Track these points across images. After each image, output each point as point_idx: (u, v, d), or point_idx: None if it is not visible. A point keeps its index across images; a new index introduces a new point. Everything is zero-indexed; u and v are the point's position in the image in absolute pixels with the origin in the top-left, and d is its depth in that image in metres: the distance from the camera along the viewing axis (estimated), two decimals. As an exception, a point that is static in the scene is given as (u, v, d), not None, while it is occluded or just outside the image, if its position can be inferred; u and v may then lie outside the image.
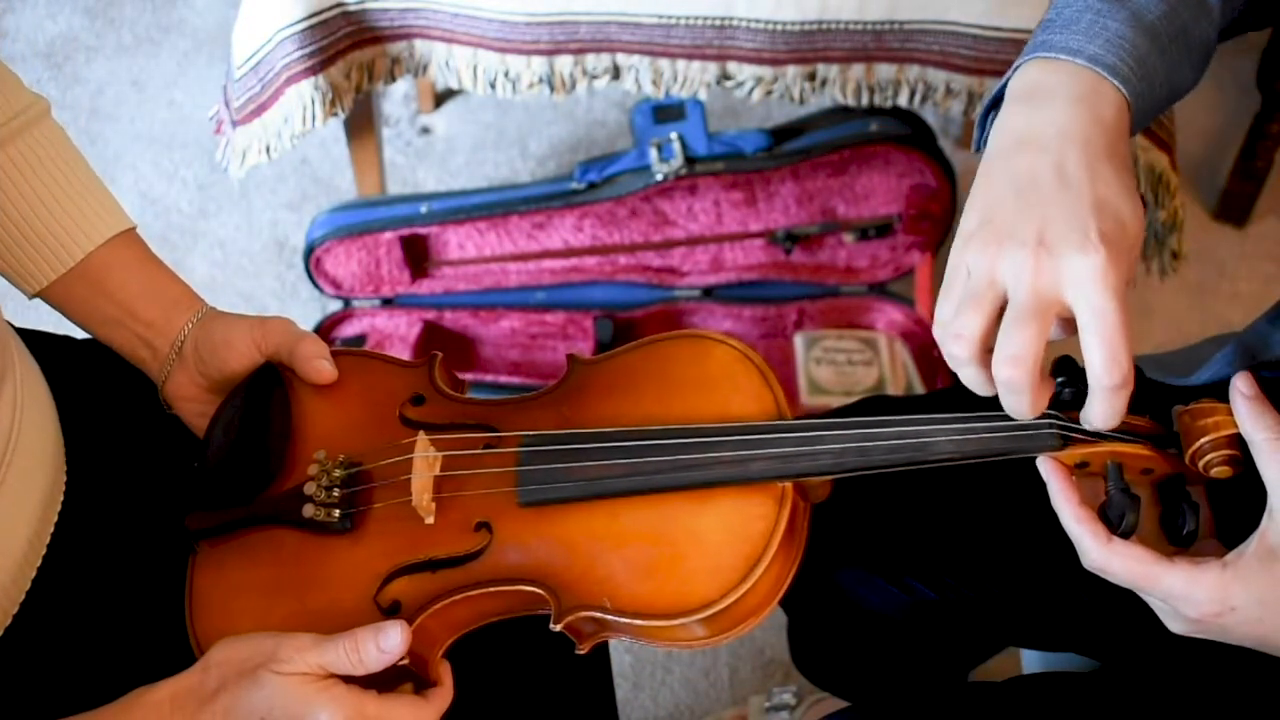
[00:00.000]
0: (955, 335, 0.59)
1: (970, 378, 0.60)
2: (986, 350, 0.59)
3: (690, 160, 1.53)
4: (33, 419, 0.71)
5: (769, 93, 1.38)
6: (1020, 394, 0.58)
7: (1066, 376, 0.65)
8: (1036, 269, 0.56)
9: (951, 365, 0.61)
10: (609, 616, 0.65)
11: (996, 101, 0.66)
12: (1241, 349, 0.75)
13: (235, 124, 1.38)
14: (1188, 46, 0.65)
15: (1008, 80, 0.65)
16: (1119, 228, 0.57)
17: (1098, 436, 0.63)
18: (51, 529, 0.72)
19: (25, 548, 0.69)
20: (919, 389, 1.60)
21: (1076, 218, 0.57)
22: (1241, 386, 0.58)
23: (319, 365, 0.76)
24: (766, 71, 1.36)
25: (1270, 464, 0.57)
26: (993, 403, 0.66)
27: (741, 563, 0.64)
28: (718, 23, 1.31)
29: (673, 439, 0.69)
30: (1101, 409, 0.58)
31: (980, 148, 0.67)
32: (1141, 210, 0.59)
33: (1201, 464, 0.60)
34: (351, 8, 1.34)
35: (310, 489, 0.71)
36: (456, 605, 0.68)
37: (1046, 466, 0.63)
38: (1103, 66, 0.60)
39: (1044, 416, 0.63)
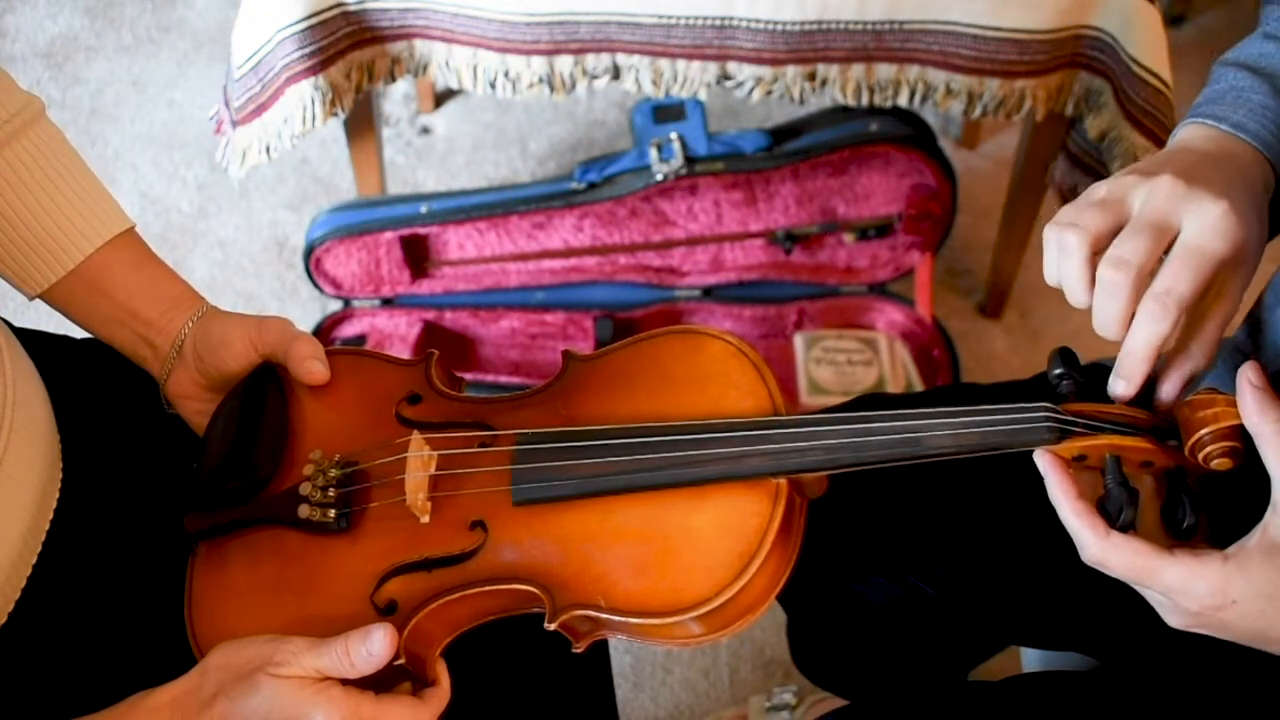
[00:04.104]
0: (1072, 225, 0.62)
1: (1070, 272, 0.62)
2: (1094, 254, 0.61)
3: (690, 160, 1.53)
4: (25, 416, 0.71)
5: (769, 93, 1.38)
6: (1116, 298, 0.60)
7: (1065, 369, 0.65)
8: (1169, 193, 0.61)
9: (1053, 259, 0.63)
10: (604, 615, 0.65)
11: None
12: (1233, 357, 0.74)
13: (235, 124, 1.38)
14: None
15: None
16: (1243, 233, 0.61)
17: (1096, 429, 0.62)
18: (47, 526, 0.72)
19: (19, 545, 0.69)
20: (919, 389, 1.60)
21: (1218, 191, 0.61)
22: (1251, 376, 0.58)
23: (311, 366, 0.76)
24: (766, 71, 1.36)
25: (1276, 456, 0.56)
26: (987, 399, 0.66)
27: (736, 560, 0.64)
28: (718, 23, 1.31)
29: (667, 436, 0.68)
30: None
31: None
32: (1258, 254, 0.65)
33: (1201, 455, 0.60)
34: (351, 8, 1.34)
35: (306, 489, 0.71)
36: (452, 604, 0.67)
37: (1044, 460, 0.62)
38: (1245, 132, 0.67)
39: (1041, 410, 0.63)
